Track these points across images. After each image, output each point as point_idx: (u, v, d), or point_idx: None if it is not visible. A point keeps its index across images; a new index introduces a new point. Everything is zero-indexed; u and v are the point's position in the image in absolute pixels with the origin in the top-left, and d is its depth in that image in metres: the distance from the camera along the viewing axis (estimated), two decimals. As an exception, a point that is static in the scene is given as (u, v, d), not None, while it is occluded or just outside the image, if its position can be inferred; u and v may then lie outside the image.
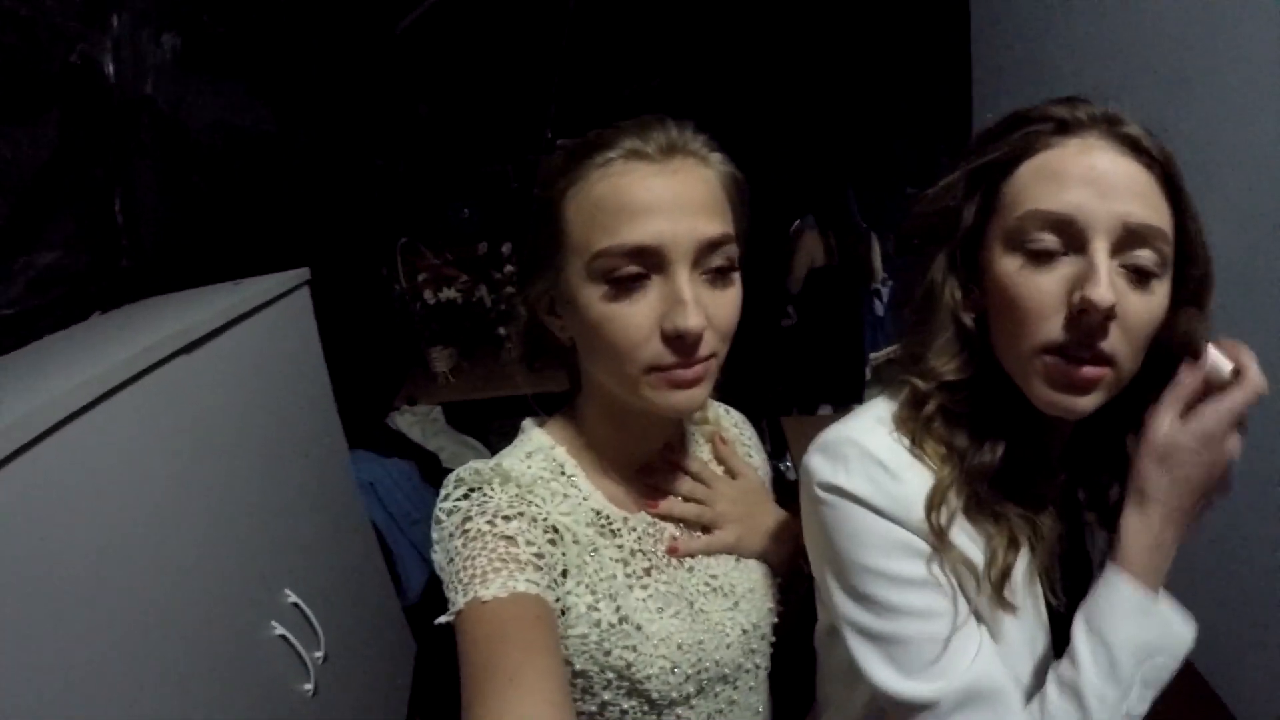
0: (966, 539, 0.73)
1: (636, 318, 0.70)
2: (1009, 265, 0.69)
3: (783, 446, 2.55)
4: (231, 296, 1.46)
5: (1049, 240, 0.67)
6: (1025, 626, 0.75)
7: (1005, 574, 0.72)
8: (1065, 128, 0.68)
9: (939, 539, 0.71)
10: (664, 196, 0.69)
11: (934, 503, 0.71)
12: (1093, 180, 0.65)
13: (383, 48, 3.05)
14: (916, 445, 0.75)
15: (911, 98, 2.89)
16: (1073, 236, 0.66)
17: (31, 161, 1.23)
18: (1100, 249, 0.65)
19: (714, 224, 0.71)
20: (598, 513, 0.82)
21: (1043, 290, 0.67)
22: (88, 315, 1.41)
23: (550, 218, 0.74)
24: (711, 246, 0.71)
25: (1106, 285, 0.63)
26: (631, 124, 0.73)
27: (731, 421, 1.04)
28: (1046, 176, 0.67)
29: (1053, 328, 0.66)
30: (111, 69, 1.45)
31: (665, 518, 0.87)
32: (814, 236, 3.01)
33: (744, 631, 0.86)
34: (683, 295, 0.68)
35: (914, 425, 0.75)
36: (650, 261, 0.69)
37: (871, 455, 0.73)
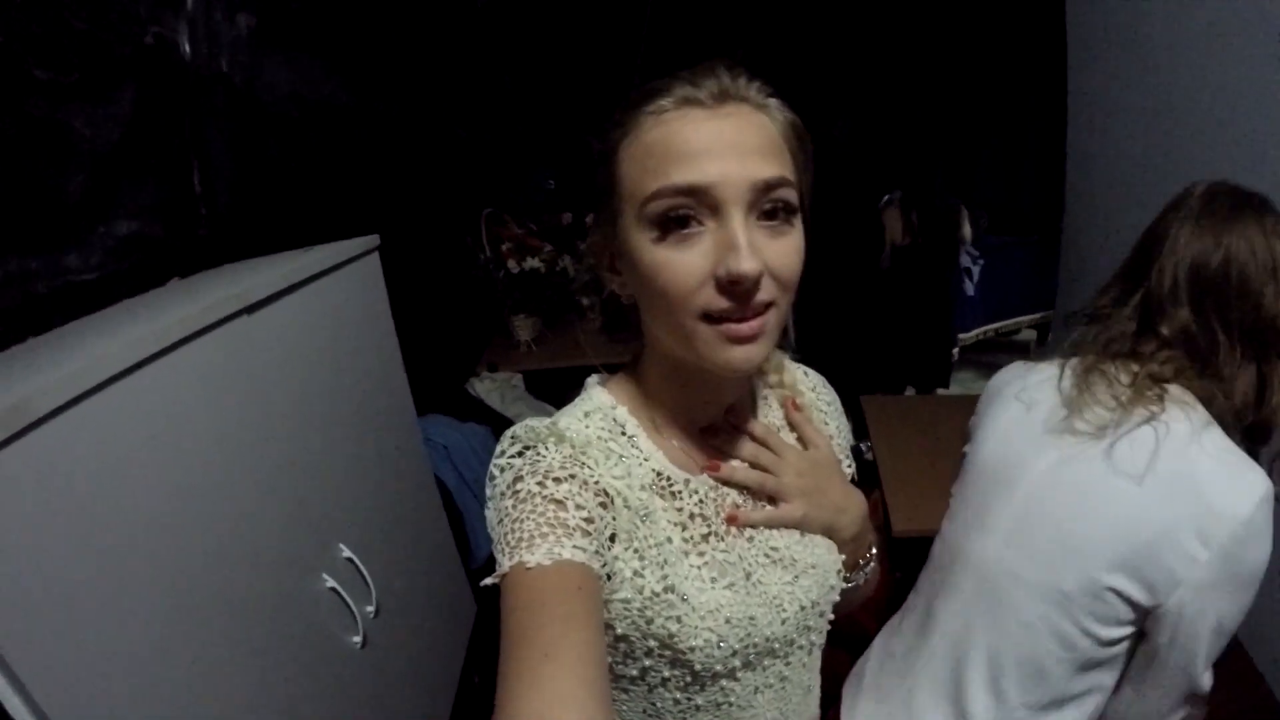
0: None
1: (689, 263, 0.68)
2: None
3: (863, 426, 2.47)
4: (299, 261, 1.51)
5: None
6: None
7: None
8: None
9: None
10: (716, 139, 0.67)
11: None
12: None
13: (466, 19, 3.08)
14: None
15: (1005, 76, 2.72)
16: None
17: (108, 137, 1.31)
18: None
19: (769, 166, 0.68)
20: (658, 474, 0.80)
21: None
22: (166, 281, 1.49)
23: (607, 169, 0.73)
24: (767, 188, 0.68)
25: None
26: (685, 72, 0.71)
27: (809, 384, 1.00)
28: None
29: None
30: (187, 48, 1.52)
31: (727, 483, 0.84)
32: (894, 214, 2.89)
33: (802, 608, 0.83)
34: (736, 239, 0.66)
35: None
36: (702, 203, 0.67)
37: None
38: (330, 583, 1.39)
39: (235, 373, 1.23)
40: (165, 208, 1.47)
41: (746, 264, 0.65)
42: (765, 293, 0.68)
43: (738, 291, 0.67)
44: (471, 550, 2.34)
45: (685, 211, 0.67)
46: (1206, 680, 0.98)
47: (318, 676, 1.33)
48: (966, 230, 2.77)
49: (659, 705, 0.81)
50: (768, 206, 0.69)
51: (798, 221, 0.72)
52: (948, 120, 2.94)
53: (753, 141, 0.69)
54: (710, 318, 0.69)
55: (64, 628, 0.83)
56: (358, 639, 1.44)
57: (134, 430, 0.98)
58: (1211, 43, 1.49)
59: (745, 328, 0.69)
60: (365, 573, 1.49)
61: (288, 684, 1.24)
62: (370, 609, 1.49)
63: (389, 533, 1.72)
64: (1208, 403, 1.00)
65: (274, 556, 1.26)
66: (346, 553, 1.47)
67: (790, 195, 0.70)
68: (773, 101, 0.73)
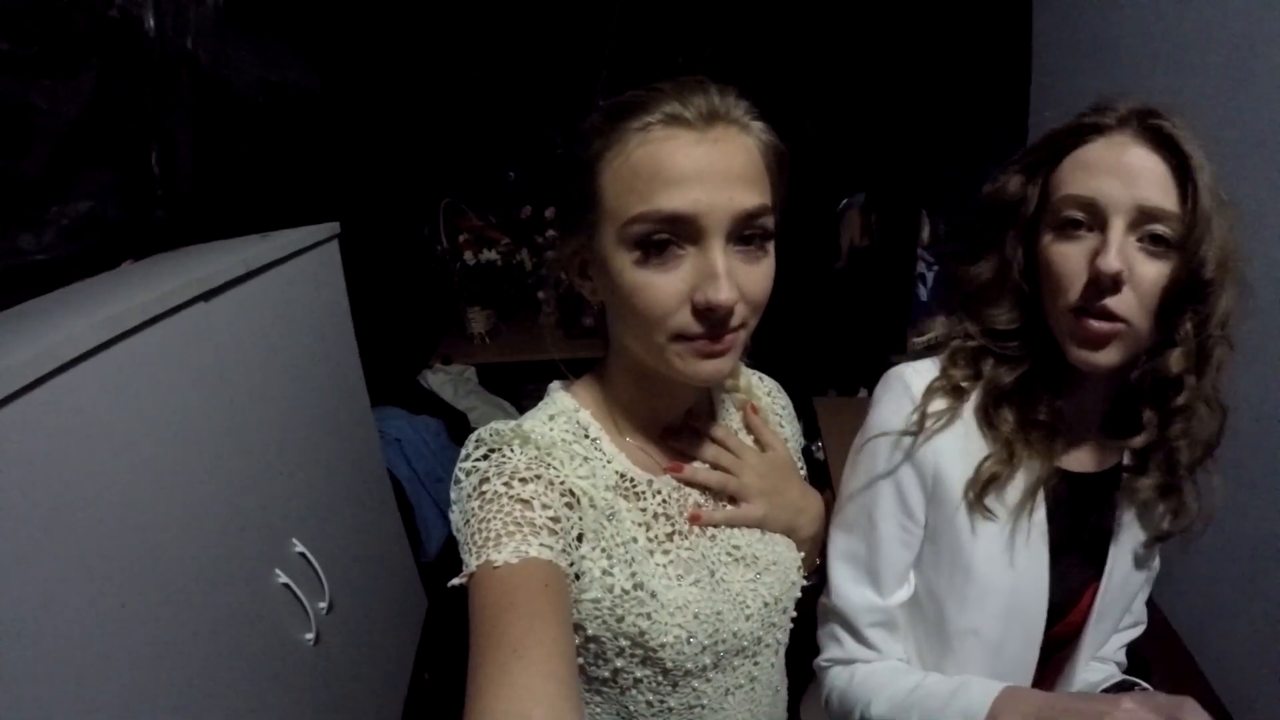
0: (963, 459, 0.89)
1: (668, 287, 0.69)
2: (1045, 239, 0.84)
3: (815, 427, 2.50)
4: (258, 247, 1.48)
5: (1078, 216, 0.80)
6: (1001, 537, 0.89)
7: (990, 482, 0.87)
8: (1099, 129, 0.81)
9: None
10: (703, 165, 0.68)
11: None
12: (1115, 170, 0.77)
13: (434, 9, 3.03)
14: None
15: (970, 80, 2.78)
16: (1095, 216, 0.79)
17: (68, 113, 1.26)
18: (1117, 226, 0.77)
19: (752, 195, 0.70)
20: (622, 475, 0.81)
21: (1071, 260, 0.80)
22: (120, 263, 1.45)
23: (586, 180, 0.73)
24: (748, 218, 0.69)
25: (1115, 254, 0.76)
26: (671, 86, 0.71)
27: (765, 390, 1.02)
28: (1080, 165, 0.81)
29: (1074, 291, 0.80)
30: (152, 24, 1.47)
31: (689, 483, 0.86)
32: (855, 216, 2.94)
33: (765, 604, 0.85)
34: (716, 268, 0.68)
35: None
36: (685, 230, 0.68)
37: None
38: (283, 578, 1.37)
39: (190, 361, 1.20)
40: (122, 188, 1.42)
41: (725, 294, 0.67)
42: (737, 318, 0.70)
43: (713, 318, 0.69)
44: (423, 544, 2.32)
45: (667, 237, 0.68)
46: None
47: (271, 674, 1.31)
48: (925, 233, 2.83)
49: (631, 708, 0.82)
50: (747, 234, 0.70)
51: (771, 246, 0.74)
52: (913, 125, 2.99)
53: (738, 169, 0.69)
54: (683, 337, 0.71)
55: (4, 622, 0.80)
56: (310, 636, 1.41)
57: (84, 420, 0.95)
58: (1175, 53, 1.55)
59: (717, 345, 0.71)
60: (318, 568, 1.46)
61: (240, 682, 1.22)
62: (323, 605, 1.47)
63: (342, 527, 1.69)
64: None
65: (226, 551, 1.23)
66: (299, 547, 1.44)
67: (769, 223, 0.72)
68: (757, 124, 0.74)
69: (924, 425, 0.89)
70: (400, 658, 1.97)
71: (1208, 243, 0.76)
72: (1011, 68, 2.43)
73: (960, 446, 0.90)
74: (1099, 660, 1.03)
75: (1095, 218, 0.79)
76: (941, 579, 0.92)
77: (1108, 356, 0.80)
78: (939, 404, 0.90)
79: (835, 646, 0.98)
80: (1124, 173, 0.77)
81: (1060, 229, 0.81)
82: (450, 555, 0.67)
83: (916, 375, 0.93)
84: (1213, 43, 1.43)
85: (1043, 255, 0.84)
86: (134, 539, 1.02)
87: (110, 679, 0.94)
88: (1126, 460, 0.91)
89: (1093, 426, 0.92)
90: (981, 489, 0.87)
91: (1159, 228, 0.76)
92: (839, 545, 0.97)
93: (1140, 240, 0.77)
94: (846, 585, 0.96)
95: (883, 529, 0.93)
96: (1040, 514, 0.89)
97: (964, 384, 0.90)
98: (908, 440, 0.90)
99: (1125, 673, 1.03)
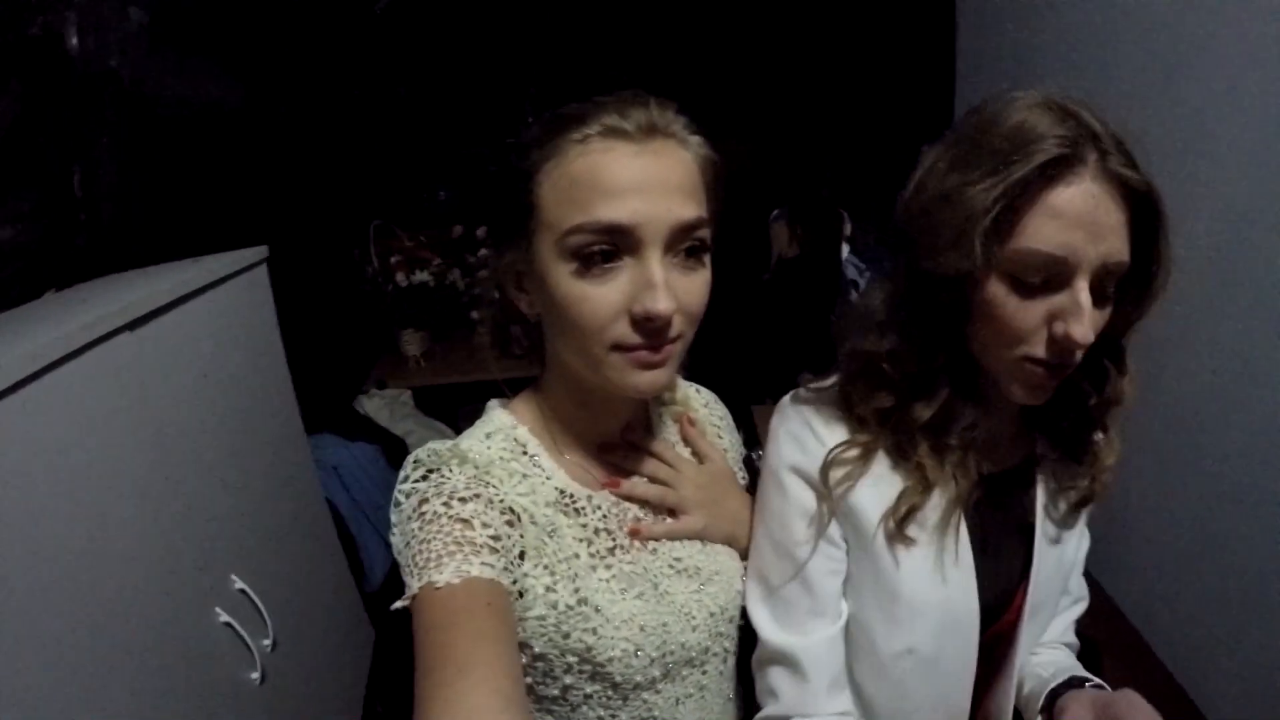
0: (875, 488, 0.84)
1: (606, 297, 0.69)
2: (999, 290, 0.74)
3: (754, 435, 2.53)
4: (185, 273, 1.43)
5: (1038, 278, 0.72)
6: (927, 560, 0.84)
7: (910, 512, 0.82)
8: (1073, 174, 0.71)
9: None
10: (642, 177, 0.68)
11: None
12: (1085, 224, 0.70)
13: (362, 27, 2.99)
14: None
15: (894, 87, 2.87)
16: (1061, 273, 0.71)
17: (-14, 137, 1.20)
18: (1083, 288, 0.70)
19: (689, 207, 0.70)
20: (561, 491, 0.80)
21: (1030, 316, 0.73)
22: (42, 293, 1.38)
23: (523, 190, 0.72)
24: (686, 230, 0.70)
25: (1089, 326, 0.71)
26: (611, 100, 0.71)
27: (701, 401, 1.02)
28: (1050, 215, 0.70)
29: (1036, 346, 0.74)
30: (75, 42, 1.42)
31: (628, 498, 0.86)
32: (783, 227, 3.00)
33: (711, 614, 0.85)
34: (654, 278, 0.68)
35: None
36: (623, 241, 0.68)
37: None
38: (224, 617, 1.31)
39: (117, 393, 1.16)
40: (44, 214, 1.36)
41: (663, 304, 0.67)
42: (675, 328, 0.71)
43: (651, 328, 0.69)
44: (366, 574, 2.25)
45: (605, 248, 0.68)
46: None
47: (218, 717, 1.25)
48: (848, 228, 2.90)
49: None
50: (684, 245, 0.71)
51: (708, 259, 0.74)
52: (837, 135, 3.06)
53: (675, 180, 0.70)
54: (621, 348, 0.71)
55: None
56: (256, 675, 1.36)
57: (4, 460, 0.91)
58: (1101, 57, 1.61)
59: (655, 356, 0.71)
60: (260, 604, 1.41)
61: (186, 728, 1.16)
62: (267, 642, 1.41)
63: (282, 560, 1.64)
64: None
65: (163, 590, 1.18)
66: (239, 584, 1.39)
67: (706, 234, 0.73)
68: (695, 138, 0.74)
69: (834, 479, 0.83)
70: (350, 691, 1.91)
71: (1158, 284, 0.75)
72: (935, 73, 2.51)
73: (871, 478, 0.84)
74: (1048, 646, 1.03)
75: (1061, 274, 0.71)
76: (867, 604, 0.87)
77: (1049, 394, 0.78)
78: (851, 452, 0.83)
79: (771, 700, 0.88)
80: (1094, 227, 0.69)
81: (1020, 284, 0.72)
82: (395, 583, 0.67)
83: (810, 406, 0.88)
84: (1135, 46, 1.49)
85: (990, 304, 0.74)
86: (64, 582, 0.97)
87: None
88: (1039, 447, 0.91)
89: (1007, 429, 0.89)
90: (901, 520, 0.83)
91: (1112, 280, 0.72)
92: (764, 588, 0.89)
93: (1092, 290, 0.72)
94: (775, 631, 0.87)
95: (808, 565, 0.85)
96: (963, 526, 0.85)
97: (870, 419, 0.84)
98: (814, 473, 0.84)
99: (1078, 655, 1.04)
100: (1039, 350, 0.74)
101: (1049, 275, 0.71)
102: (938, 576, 0.84)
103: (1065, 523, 0.93)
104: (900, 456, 0.84)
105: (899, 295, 0.81)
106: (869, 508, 0.83)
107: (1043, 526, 0.90)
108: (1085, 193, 0.69)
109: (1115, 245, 0.71)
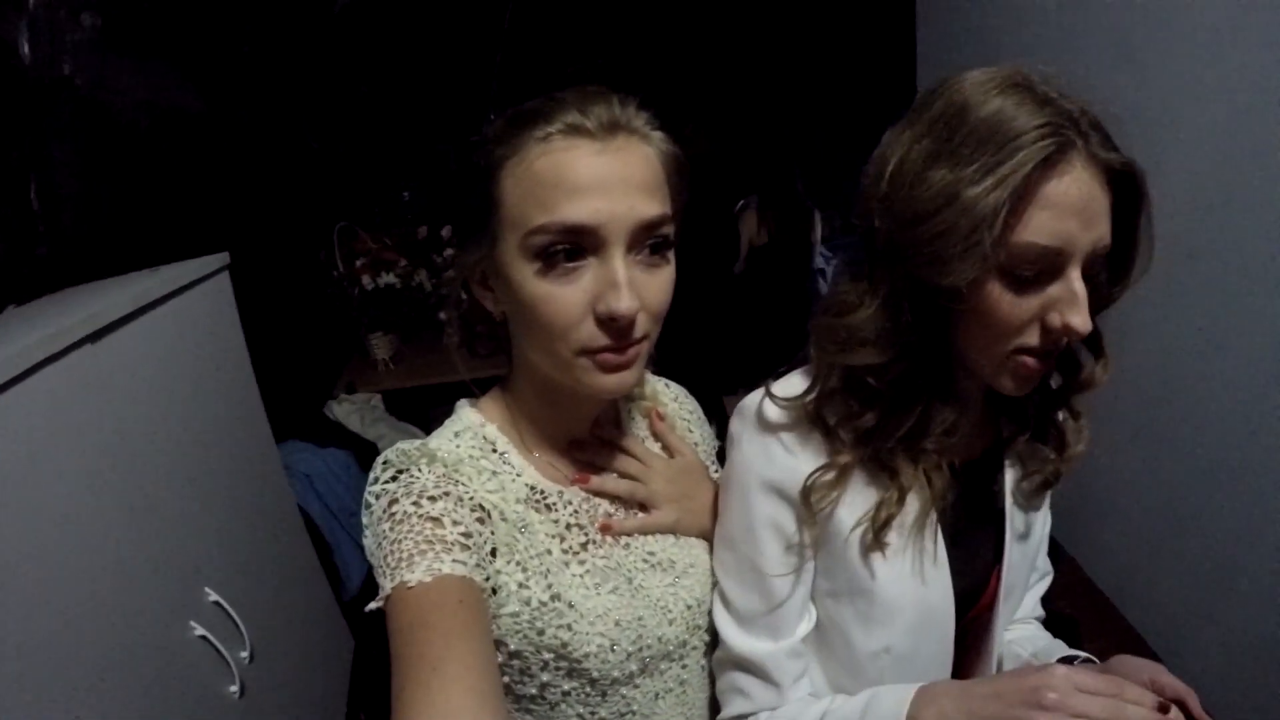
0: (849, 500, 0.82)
1: (570, 298, 0.69)
2: (994, 288, 0.71)
3: (725, 425, 2.53)
4: (145, 283, 1.40)
5: (1033, 270, 0.70)
6: (904, 562, 0.82)
7: (888, 521, 0.80)
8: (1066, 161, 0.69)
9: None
10: (604, 175, 0.68)
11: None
12: (1078, 213, 0.68)
13: (321, 26, 2.94)
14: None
15: (856, 72, 2.89)
16: (1055, 264, 0.70)
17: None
18: (1076, 276, 0.69)
19: (653, 205, 0.70)
20: (532, 488, 0.81)
21: (1025, 309, 0.71)
22: (1, 310, 1.35)
23: (486, 187, 0.72)
24: (649, 228, 0.70)
25: (1086, 314, 0.69)
26: (573, 95, 0.71)
27: (671, 396, 1.02)
28: (1044, 207, 0.68)
29: (1030, 337, 0.72)
30: (27, 50, 1.38)
31: (598, 494, 0.86)
32: (752, 216, 3.01)
33: (688, 607, 0.85)
34: (617, 278, 0.68)
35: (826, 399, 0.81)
36: (586, 241, 0.68)
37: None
38: (199, 630, 1.29)
39: (79, 407, 1.13)
40: (1, 225, 1.32)
41: (625, 303, 0.68)
42: (640, 328, 0.71)
43: (615, 328, 0.70)
44: (343, 582, 2.22)
45: (568, 247, 0.68)
46: None
47: (195, 733, 1.23)
48: (819, 233, 2.92)
49: None
50: (648, 243, 0.71)
51: (672, 255, 0.75)
52: (801, 124, 3.07)
53: (638, 178, 0.70)
54: (588, 352, 0.71)
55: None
56: (235, 688, 1.34)
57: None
58: (1060, 46, 1.64)
59: (621, 358, 0.72)
60: (235, 616, 1.38)
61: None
62: (244, 655, 1.39)
63: (257, 571, 1.61)
64: None
65: (136, 606, 1.16)
66: (213, 596, 1.37)
67: (669, 231, 0.73)
68: (658, 134, 0.74)
69: (815, 502, 0.79)
70: (330, 700, 1.88)
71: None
72: (896, 60, 2.53)
73: (847, 493, 0.82)
74: (1020, 622, 1.04)
75: (1055, 265, 0.69)
76: (841, 607, 0.86)
77: (1038, 383, 0.77)
78: (829, 475, 0.79)
79: (739, 699, 0.88)
80: (1086, 214, 0.68)
81: (1015, 278, 0.70)
82: (372, 590, 0.67)
83: (776, 415, 0.82)
84: (1095, 33, 1.51)
85: (986, 302, 0.72)
86: (32, 599, 0.94)
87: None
88: (1005, 431, 0.90)
89: (974, 418, 0.86)
90: (879, 530, 0.80)
91: (1099, 263, 0.72)
92: (729, 598, 0.87)
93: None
94: (742, 639, 0.86)
95: (772, 575, 0.84)
96: (937, 523, 0.84)
97: (840, 430, 0.80)
98: (782, 481, 0.81)
99: (1053, 632, 1.05)
100: (1032, 340, 0.72)
101: (1043, 267, 0.69)
102: (915, 578, 0.83)
103: (1032, 504, 0.93)
104: (876, 468, 0.81)
105: (889, 306, 0.76)
106: (843, 519, 0.82)
107: (1011, 512, 0.90)
108: (1076, 181, 0.68)
109: (1103, 229, 0.70)
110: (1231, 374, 1.30)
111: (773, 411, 0.82)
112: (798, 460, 0.81)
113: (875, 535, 0.80)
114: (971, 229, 0.67)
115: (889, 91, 2.68)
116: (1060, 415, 0.87)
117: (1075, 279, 0.69)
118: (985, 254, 0.67)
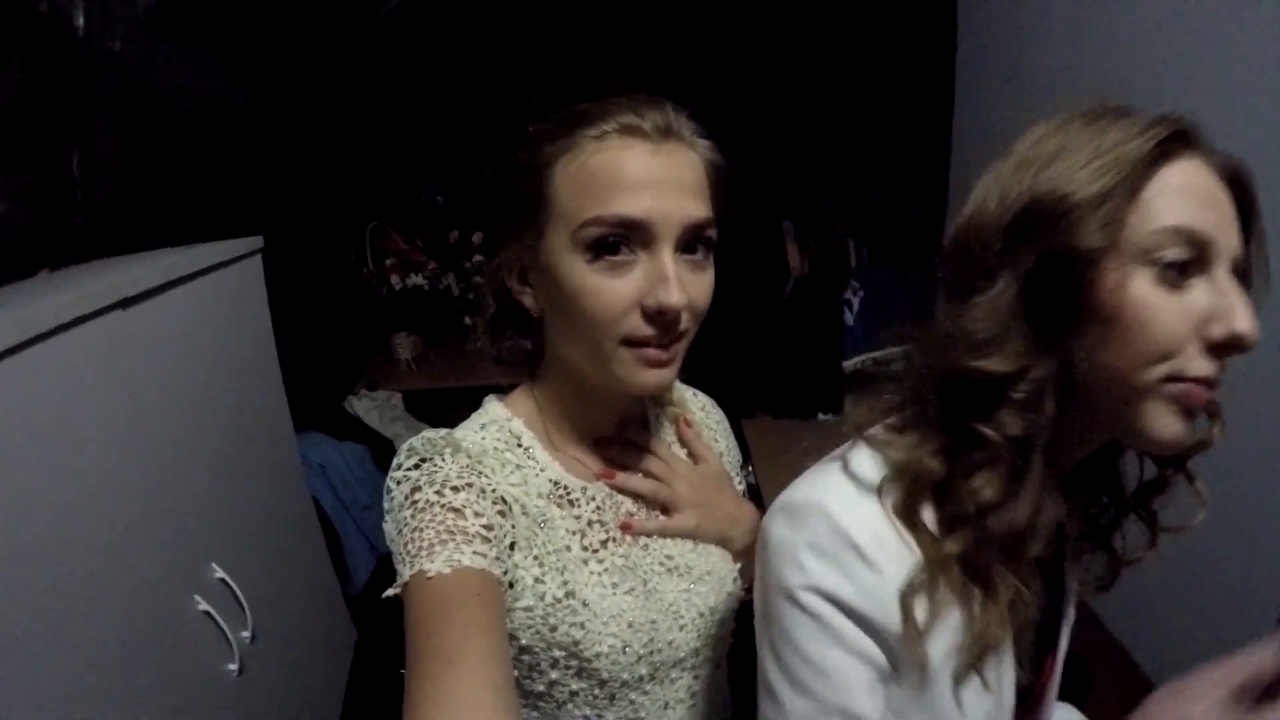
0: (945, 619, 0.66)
1: (620, 290, 0.70)
2: (1137, 284, 0.60)
3: (745, 450, 2.51)
4: (179, 257, 1.43)
5: (1177, 255, 0.59)
6: (988, 699, 0.68)
7: (987, 652, 0.65)
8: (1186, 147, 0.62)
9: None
10: (657, 175, 0.70)
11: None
12: (1215, 204, 0.61)
13: (367, 28, 3.00)
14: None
15: (893, 107, 2.89)
16: (1203, 255, 0.60)
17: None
18: (1227, 277, 0.60)
19: (700, 207, 0.73)
20: (555, 483, 0.81)
21: (1177, 315, 0.60)
22: (35, 272, 1.38)
23: (534, 184, 0.73)
24: (697, 228, 0.72)
25: (1252, 320, 0.59)
26: (624, 100, 0.73)
27: (699, 405, 1.03)
28: (1171, 193, 0.60)
29: (1181, 355, 0.60)
30: (81, 22, 1.42)
31: (622, 490, 0.86)
32: (794, 247, 3.00)
33: (701, 614, 0.84)
34: (667, 272, 0.70)
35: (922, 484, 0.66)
36: (637, 236, 0.70)
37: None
38: (203, 605, 1.29)
39: (106, 371, 1.15)
40: (41, 192, 1.36)
41: (676, 297, 0.69)
42: (683, 324, 0.73)
43: (662, 321, 0.71)
44: (350, 576, 2.22)
45: (619, 240, 0.70)
46: None
47: (192, 707, 1.23)
48: (854, 257, 2.91)
49: None
50: (694, 243, 0.73)
51: (712, 259, 0.76)
52: (835, 152, 3.07)
53: (688, 181, 0.72)
54: (631, 343, 0.72)
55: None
56: (234, 666, 1.33)
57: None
58: (1095, 81, 1.62)
59: (664, 354, 0.73)
60: (240, 595, 1.38)
61: (162, 713, 1.14)
62: (246, 634, 1.39)
63: (264, 553, 1.61)
64: None
65: (142, 574, 1.16)
66: (219, 573, 1.37)
67: (713, 234, 0.75)
68: (703, 142, 0.77)
69: (918, 611, 0.63)
70: (329, 690, 1.87)
71: None
72: (934, 94, 2.53)
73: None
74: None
75: (1202, 259, 0.59)
76: (908, 714, 0.68)
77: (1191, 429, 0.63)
78: (923, 575, 0.64)
79: None
80: (1219, 209, 0.60)
81: (1163, 271, 0.59)
82: (379, 586, 0.66)
83: (846, 507, 0.66)
84: (1133, 74, 1.51)
85: (1130, 303, 0.60)
86: (42, 562, 0.95)
87: (22, 714, 0.87)
88: (1068, 526, 0.78)
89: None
90: (979, 659, 0.65)
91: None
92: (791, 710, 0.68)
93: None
94: None
95: (851, 699, 0.66)
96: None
97: (948, 507, 0.65)
98: (863, 608, 0.64)
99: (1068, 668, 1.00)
100: (1196, 362, 0.60)
101: (1189, 257, 0.59)
102: (987, 693, 0.68)
103: (1079, 590, 0.83)
104: (969, 572, 0.65)
105: (1013, 296, 0.64)
106: (934, 643, 0.65)
107: (1068, 601, 0.80)
108: (1197, 171, 0.61)
109: (1237, 237, 0.61)
110: (1245, 409, 1.27)
111: (833, 503, 0.66)
112: (877, 567, 0.64)
113: (975, 666, 0.65)
114: (1105, 170, 0.59)
115: (925, 126, 2.68)
116: (1126, 522, 0.76)
117: (1227, 279, 0.60)
118: (1119, 209, 0.59)
